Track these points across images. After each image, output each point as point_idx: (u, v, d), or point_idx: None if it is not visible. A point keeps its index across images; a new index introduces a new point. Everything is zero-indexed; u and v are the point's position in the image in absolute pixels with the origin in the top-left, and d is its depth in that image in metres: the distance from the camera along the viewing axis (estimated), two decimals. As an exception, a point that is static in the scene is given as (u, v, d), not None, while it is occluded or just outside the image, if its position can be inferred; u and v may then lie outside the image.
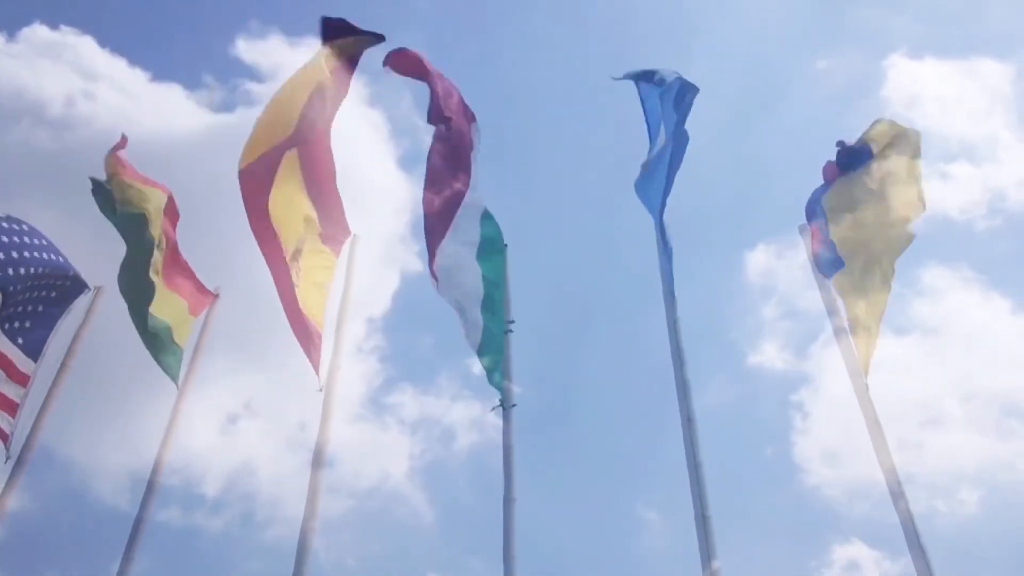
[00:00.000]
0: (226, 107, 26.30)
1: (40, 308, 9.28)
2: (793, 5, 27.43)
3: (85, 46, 25.45)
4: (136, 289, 9.35)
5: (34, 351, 9.24)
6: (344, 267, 9.33)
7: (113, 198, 9.71)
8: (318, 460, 7.73)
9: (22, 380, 9.04)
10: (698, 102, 9.15)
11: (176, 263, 9.99)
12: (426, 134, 9.78)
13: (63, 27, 25.30)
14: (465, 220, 9.33)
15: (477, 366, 10.01)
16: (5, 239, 8.77)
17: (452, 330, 10.99)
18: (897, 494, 6.86)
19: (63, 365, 9.50)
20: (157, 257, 9.41)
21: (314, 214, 8.86)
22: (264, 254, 8.04)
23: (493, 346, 8.80)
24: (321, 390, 8.19)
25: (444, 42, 27.40)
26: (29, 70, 24.09)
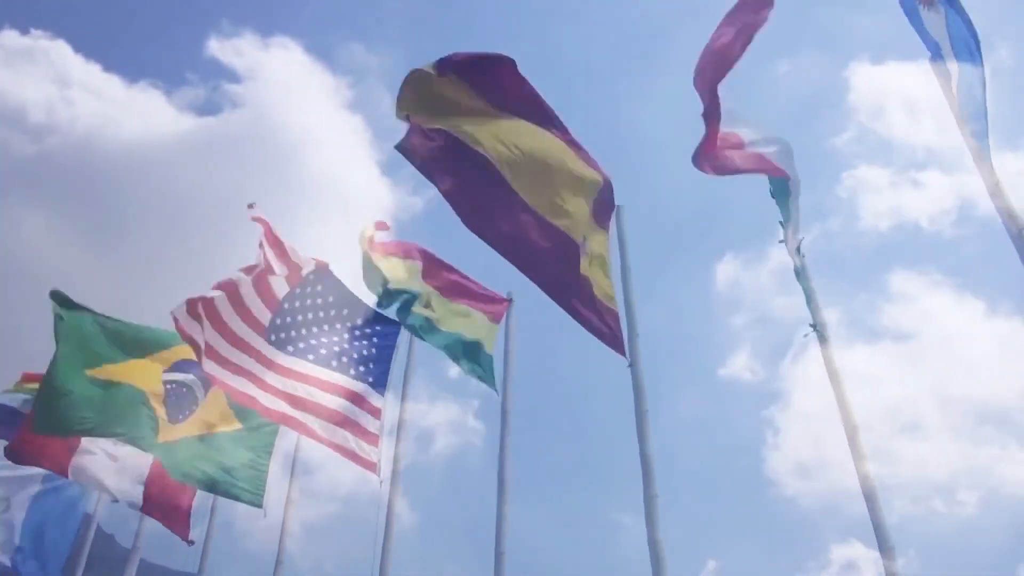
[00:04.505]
0: (208, 110, 26.10)
1: (373, 351, 10.60)
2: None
3: (58, 50, 25.22)
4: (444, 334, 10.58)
5: (381, 385, 10.42)
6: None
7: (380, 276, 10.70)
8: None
9: (376, 413, 10.12)
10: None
11: (466, 291, 11.28)
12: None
13: (33, 31, 25.05)
14: None
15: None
16: (324, 300, 10.25)
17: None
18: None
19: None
20: (434, 302, 10.75)
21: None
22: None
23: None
24: (631, 366, 7.98)
25: (416, 41, 27.31)
26: (5, 76, 23.85)
